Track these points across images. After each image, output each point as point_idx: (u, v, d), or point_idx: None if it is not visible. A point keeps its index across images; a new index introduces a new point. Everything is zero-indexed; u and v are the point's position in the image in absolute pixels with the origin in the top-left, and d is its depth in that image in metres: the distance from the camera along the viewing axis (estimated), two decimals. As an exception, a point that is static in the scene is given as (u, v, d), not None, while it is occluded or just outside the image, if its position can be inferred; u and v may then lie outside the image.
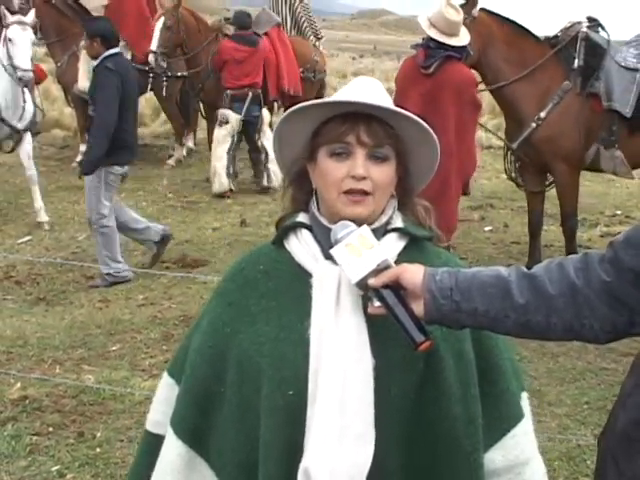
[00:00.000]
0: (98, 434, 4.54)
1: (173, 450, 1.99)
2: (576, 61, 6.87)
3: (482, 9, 6.99)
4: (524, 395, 2.02)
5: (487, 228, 9.08)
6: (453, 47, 6.07)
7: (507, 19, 7.15)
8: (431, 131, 1.91)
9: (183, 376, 2.03)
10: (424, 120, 1.89)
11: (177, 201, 10.09)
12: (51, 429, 4.60)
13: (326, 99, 1.93)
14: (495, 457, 1.91)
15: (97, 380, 5.17)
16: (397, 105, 1.89)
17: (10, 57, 8.64)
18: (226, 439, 1.94)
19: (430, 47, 6.11)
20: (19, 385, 5.08)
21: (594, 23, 7.15)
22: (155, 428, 2.13)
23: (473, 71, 6.66)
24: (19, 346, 5.73)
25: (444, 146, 2.05)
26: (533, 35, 7.16)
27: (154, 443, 2.09)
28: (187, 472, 1.98)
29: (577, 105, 6.83)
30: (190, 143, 12.88)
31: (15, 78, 8.63)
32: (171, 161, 12.19)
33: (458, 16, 6.19)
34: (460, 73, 6.09)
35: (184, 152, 12.47)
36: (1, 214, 9.54)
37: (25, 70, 8.62)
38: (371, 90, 1.91)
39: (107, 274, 7.16)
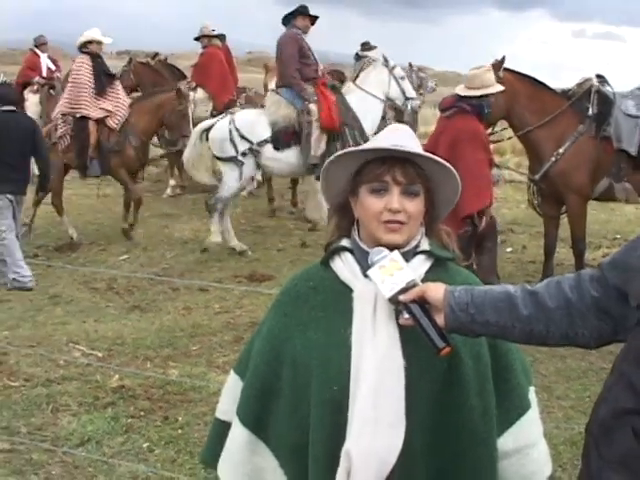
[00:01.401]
0: (180, 418, 4.62)
1: (239, 435, 2.04)
2: (590, 109, 6.90)
3: (506, 69, 7.02)
4: (532, 389, 2.04)
5: (508, 250, 9.00)
6: (470, 100, 6.06)
7: (527, 76, 7.18)
8: (454, 170, 1.95)
9: (246, 373, 2.08)
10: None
11: (248, 226, 10.14)
12: (142, 413, 4.68)
13: (368, 146, 1.97)
14: (507, 441, 1.94)
15: (180, 374, 5.23)
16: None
17: None
18: (282, 425, 1.98)
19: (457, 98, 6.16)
20: (117, 377, 5.16)
21: (602, 79, 7.18)
22: (223, 415, 2.18)
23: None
24: (118, 345, 5.82)
25: None
26: (550, 88, 7.18)
27: (222, 427, 2.15)
28: (250, 453, 2.03)
29: (590, 146, 6.84)
30: (259, 177, 12.90)
31: None
32: (244, 192, 12.14)
33: (479, 70, 6.22)
34: (463, 123, 6.10)
35: (255, 185, 12.48)
36: (106, 236, 9.63)
37: None
38: (404, 137, 1.96)
39: (13, 279, 7.34)
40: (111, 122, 9.36)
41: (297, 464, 1.96)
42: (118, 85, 9.78)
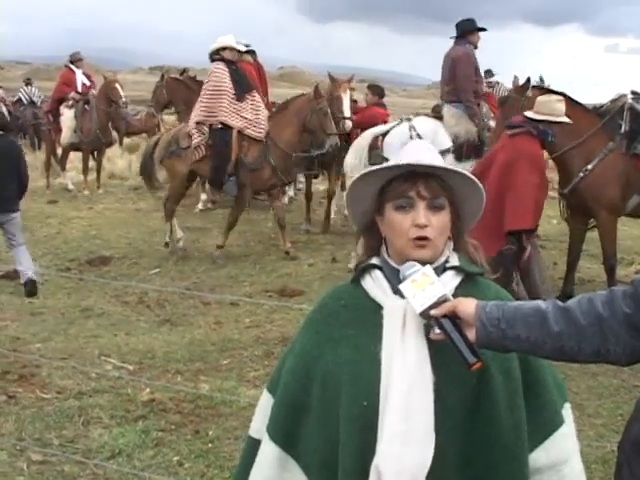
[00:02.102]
0: (211, 432, 4.61)
1: (269, 452, 2.03)
2: (623, 126, 6.86)
3: (534, 87, 7.01)
4: (567, 405, 2.01)
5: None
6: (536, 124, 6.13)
7: (558, 93, 7.15)
8: (477, 182, 1.95)
9: (277, 392, 2.07)
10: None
11: (279, 241, 10.16)
12: (173, 427, 4.69)
13: (389, 163, 1.96)
14: (539, 456, 1.91)
15: (211, 388, 5.22)
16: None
17: None
18: (312, 442, 1.97)
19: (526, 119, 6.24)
20: (148, 390, 5.18)
21: (637, 95, 7.14)
22: (255, 434, 2.17)
23: None
24: (149, 358, 5.84)
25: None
26: (581, 105, 7.15)
27: (254, 446, 2.13)
28: (280, 469, 2.02)
29: (620, 162, 6.82)
30: (291, 192, 12.94)
31: None
32: (275, 208, 12.20)
33: (550, 98, 6.30)
34: (525, 144, 6.12)
35: (286, 200, 12.52)
36: (137, 250, 9.70)
37: None
38: (425, 152, 1.96)
39: None
40: (252, 132, 9.05)
41: None
42: (256, 94, 9.46)
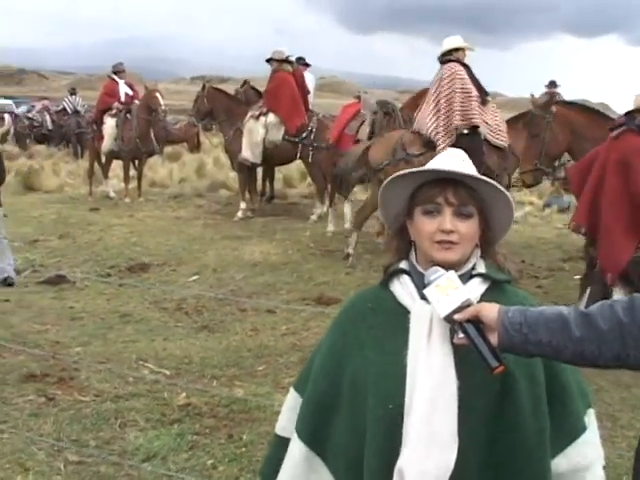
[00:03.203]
0: (244, 437, 4.66)
1: (296, 450, 2.09)
2: None
3: (557, 102, 6.99)
4: (590, 411, 2.02)
5: (576, 277, 8.88)
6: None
7: (580, 105, 7.13)
8: (506, 192, 1.99)
9: (306, 392, 2.13)
10: None
11: (317, 249, 10.21)
12: (207, 431, 4.75)
13: (421, 168, 2.00)
14: (560, 463, 1.94)
15: (246, 393, 5.28)
16: None
17: None
18: (339, 441, 2.02)
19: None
20: (184, 394, 5.25)
21: None
22: (282, 432, 2.23)
23: None
24: (185, 363, 5.92)
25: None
26: (604, 114, 7.12)
27: (280, 443, 2.20)
28: (307, 468, 2.08)
29: None
30: (324, 208, 12.98)
31: None
32: (314, 216, 12.29)
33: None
34: (629, 142, 6.07)
35: (325, 209, 12.58)
36: (177, 257, 9.82)
37: None
38: (457, 160, 2.00)
39: None
40: (493, 138, 8.61)
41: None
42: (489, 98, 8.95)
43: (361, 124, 10.67)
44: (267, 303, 7.33)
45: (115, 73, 14.66)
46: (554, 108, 7.00)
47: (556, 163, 7.15)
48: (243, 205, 12.58)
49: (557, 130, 6.65)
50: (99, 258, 9.81)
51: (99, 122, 14.53)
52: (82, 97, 24.04)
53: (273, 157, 12.68)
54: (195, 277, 8.86)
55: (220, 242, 10.74)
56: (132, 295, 8.13)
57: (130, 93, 14.55)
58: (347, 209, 11.42)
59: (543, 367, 1.92)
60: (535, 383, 1.91)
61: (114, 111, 14.16)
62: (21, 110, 33.52)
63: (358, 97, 11.63)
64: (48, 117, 23.99)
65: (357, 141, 10.51)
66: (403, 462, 1.81)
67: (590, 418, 2.02)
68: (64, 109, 23.08)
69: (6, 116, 33.22)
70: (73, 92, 23.52)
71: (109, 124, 14.12)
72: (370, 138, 10.19)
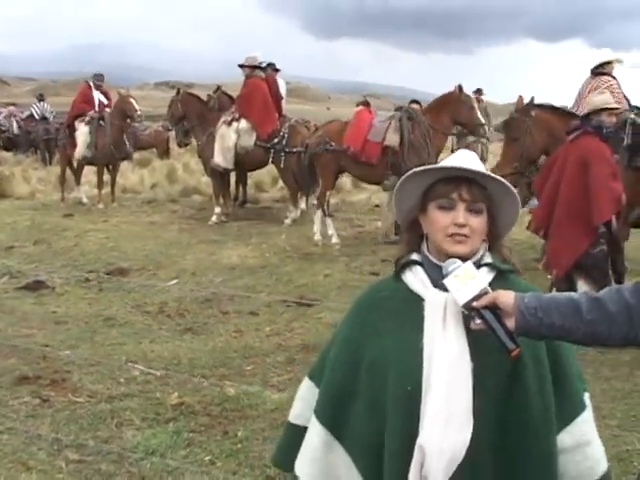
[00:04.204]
0: (239, 433, 4.76)
1: (316, 434, 2.21)
2: (625, 140, 7.03)
3: (537, 106, 7.19)
4: (587, 395, 2.18)
5: (550, 276, 9.06)
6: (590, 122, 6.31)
7: (559, 109, 7.35)
8: (515, 193, 2.16)
9: (323, 378, 2.25)
10: None
11: (294, 252, 10.29)
12: (203, 428, 4.84)
13: (437, 165, 2.15)
14: (564, 438, 2.08)
15: (237, 392, 5.35)
16: None
17: None
18: (358, 425, 2.14)
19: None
20: (176, 394, 5.33)
21: (638, 111, 7.34)
22: (295, 419, 2.35)
23: None
24: (174, 364, 5.99)
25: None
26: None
27: (294, 431, 2.33)
28: (326, 451, 2.19)
29: (623, 175, 6.99)
30: (303, 205, 13.11)
31: None
32: (288, 220, 12.37)
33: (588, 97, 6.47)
34: (585, 143, 6.31)
35: (298, 213, 12.72)
36: (155, 262, 9.87)
37: None
38: (469, 160, 2.14)
39: None
40: None
41: (371, 463, 2.12)
42: None
43: (386, 131, 10.69)
44: (272, 298, 7.42)
45: (95, 82, 14.72)
46: (534, 112, 7.21)
47: (533, 167, 7.35)
48: (217, 210, 12.66)
49: (536, 133, 6.86)
50: (77, 263, 9.83)
51: (71, 128, 14.52)
52: (51, 103, 23.93)
53: (245, 162, 12.80)
54: (175, 281, 8.91)
55: (197, 246, 10.82)
56: (113, 299, 8.18)
57: (105, 102, 14.59)
58: (318, 218, 11.24)
59: (547, 350, 2.08)
60: (540, 364, 2.06)
61: (87, 118, 14.18)
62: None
63: (364, 103, 11.71)
64: (15, 123, 23.81)
65: (385, 148, 10.55)
66: (423, 440, 1.95)
67: (587, 400, 2.18)
68: (32, 115, 22.93)
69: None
70: (41, 98, 23.37)
71: (82, 131, 14.13)
72: (401, 144, 10.37)
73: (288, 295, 8.15)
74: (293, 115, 13.68)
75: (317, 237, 10.91)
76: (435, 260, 2.12)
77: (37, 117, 22.52)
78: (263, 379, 5.74)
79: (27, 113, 23.60)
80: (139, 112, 14.19)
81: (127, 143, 14.61)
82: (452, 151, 11.06)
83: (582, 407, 2.14)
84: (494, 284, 2.06)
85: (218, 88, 13.82)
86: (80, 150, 14.20)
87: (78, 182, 15.01)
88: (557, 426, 2.08)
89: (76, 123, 14.33)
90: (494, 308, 1.94)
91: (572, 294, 1.97)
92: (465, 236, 2.07)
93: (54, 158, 21.59)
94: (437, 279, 2.06)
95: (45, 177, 17.87)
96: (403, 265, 2.19)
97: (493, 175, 2.12)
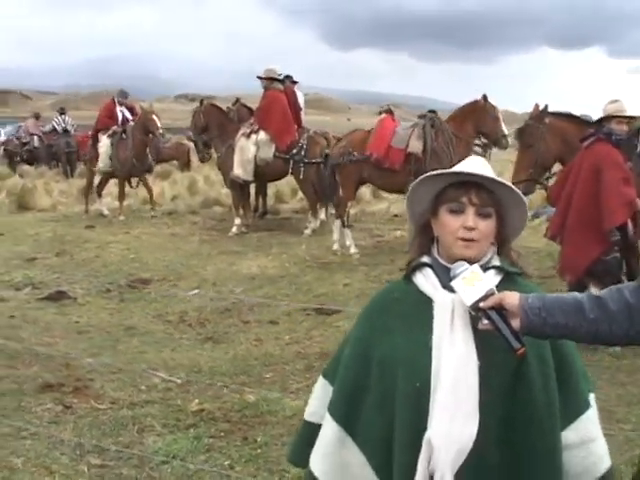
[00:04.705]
0: (258, 439, 4.84)
1: (330, 430, 2.29)
2: (638, 147, 7.06)
3: (550, 114, 7.24)
4: (592, 395, 2.25)
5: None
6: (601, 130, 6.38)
7: (573, 116, 7.38)
8: (523, 197, 2.24)
9: (337, 376, 2.33)
10: None
11: (314, 262, 10.38)
12: (222, 434, 4.93)
13: (448, 170, 2.24)
14: (569, 435, 2.15)
15: (256, 399, 5.45)
16: None
17: None
18: (370, 421, 2.22)
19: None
20: (197, 401, 5.43)
21: None
22: (310, 417, 2.45)
23: None
24: (195, 372, 6.08)
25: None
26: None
27: (309, 429, 2.42)
28: (339, 446, 2.27)
29: (636, 181, 7.01)
30: (323, 216, 13.18)
31: None
32: (308, 231, 12.45)
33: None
34: (598, 149, 6.39)
35: (318, 223, 12.79)
36: (176, 272, 9.99)
37: None
38: (479, 166, 2.23)
39: None
40: None
41: (382, 457, 2.20)
42: None
43: (409, 138, 10.77)
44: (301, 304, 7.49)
45: (119, 100, 14.98)
46: (548, 119, 7.27)
47: (547, 173, 7.41)
48: (237, 221, 12.76)
49: (550, 140, 6.92)
50: (98, 274, 9.96)
51: (95, 141, 14.76)
52: (72, 117, 24.21)
53: (265, 174, 12.90)
54: (195, 291, 9.00)
55: (217, 257, 10.93)
56: (134, 309, 8.31)
57: (129, 117, 14.81)
58: (336, 228, 11.29)
59: (551, 349, 2.15)
60: (544, 363, 2.13)
61: (110, 131, 14.42)
62: (7, 131, 33.63)
63: (387, 111, 11.77)
64: (36, 137, 24.09)
65: (408, 155, 10.62)
66: (431, 433, 2.04)
67: (592, 400, 2.25)
68: (53, 129, 23.22)
69: (-5, 136, 33.28)
70: (62, 112, 23.66)
71: (104, 143, 14.38)
72: (424, 151, 10.44)
73: (307, 304, 8.23)
74: (314, 126, 13.77)
75: (336, 247, 10.99)
76: (445, 262, 2.20)
77: (59, 130, 22.81)
78: (282, 386, 5.82)
79: (49, 126, 23.89)
80: (161, 130, 14.38)
81: (149, 156, 14.80)
82: None
83: (587, 405, 2.21)
84: (501, 286, 2.14)
85: (237, 100, 13.97)
86: (101, 162, 14.43)
87: (100, 194, 15.19)
88: (562, 423, 2.15)
89: (99, 135, 14.57)
90: (500, 309, 2.02)
91: (575, 294, 2.04)
92: (473, 240, 2.15)
93: (76, 171, 21.85)
94: (446, 281, 2.14)
95: (67, 189, 18.07)
96: (414, 267, 2.27)
97: (501, 180, 2.21)
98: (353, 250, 10.84)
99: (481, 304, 2.03)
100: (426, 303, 2.18)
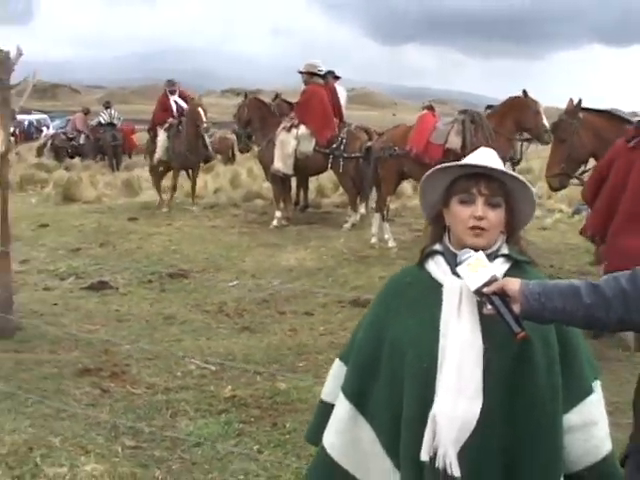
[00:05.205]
0: (287, 425, 4.98)
1: (342, 408, 2.45)
2: None
3: (584, 109, 7.23)
4: (598, 382, 2.34)
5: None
6: None
7: (606, 112, 7.35)
8: (531, 187, 2.33)
9: (351, 357, 2.48)
10: None
11: (351, 255, 10.48)
12: (252, 419, 5.09)
13: (459, 162, 2.36)
14: (572, 417, 2.26)
15: (288, 387, 5.59)
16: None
17: None
18: (380, 400, 2.36)
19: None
20: (230, 387, 5.60)
21: None
22: (326, 397, 2.61)
23: None
24: (229, 360, 6.23)
25: None
26: (629, 122, 7.32)
27: (325, 408, 2.57)
28: (351, 423, 2.42)
29: None
30: (363, 210, 13.25)
31: None
32: (347, 225, 12.52)
33: None
34: None
35: (358, 217, 12.85)
36: (215, 264, 10.18)
37: None
38: (488, 157, 2.34)
39: None
40: None
41: (391, 434, 2.33)
42: None
43: (448, 133, 10.81)
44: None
45: (168, 89, 15.19)
46: (581, 114, 7.27)
47: (581, 168, 7.41)
48: (278, 214, 12.90)
49: (583, 135, 6.93)
50: (140, 265, 10.15)
51: (154, 136, 15.14)
52: (119, 110, 24.65)
53: (305, 168, 13.02)
54: (235, 282, 9.17)
55: (256, 249, 11.08)
56: (174, 299, 8.50)
57: (184, 106, 14.94)
58: (375, 221, 11.41)
59: (557, 335, 2.25)
60: (549, 346, 2.23)
61: (166, 125, 14.72)
62: (56, 124, 34.33)
63: (428, 107, 11.82)
64: (83, 134, 24.53)
65: (447, 150, 10.66)
66: (436, 410, 2.16)
67: (597, 387, 2.34)
68: (100, 123, 23.67)
69: (44, 129, 34.01)
70: (108, 105, 24.09)
71: (161, 137, 14.75)
72: (463, 147, 10.52)
73: (343, 296, 8.33)
74: (359, 121, 13.82)
75: (374, 240, 11.08)
76: (455, 250, 2.31)
77: (105, 124, 23.23)
78: (315, 375, 5.91)
79: (95, 120, 24.35)
80: (205, 124, 14.44)
81: (207, 146, 15.05)
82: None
83: (590, 390, 2.30)
84: (510, 274, 2.26)
85: (277, 96, 14.10)
86: (157, 154, 14.81)
87: (157, 186, 15.39)
88: (565, 406, 2.25)
89: (157, 129, 14.93)
90: (503, 294, 2.12)
91: (573, 281, 2.13)
92: (483, 229, 2.25)
93: (121, 164, 22.23)
94: (456, 267, 2.24)
95: (112, 182, 18.40)
96: (427, 254, 2.40)
97: (508, 171, 2.31)
98: (391, 244, 10.92)
99: (484, 289, 2.13)
100: (436, 288, 2.30)
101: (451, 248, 2.34)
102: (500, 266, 2.29)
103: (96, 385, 5.64)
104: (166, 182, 15.32)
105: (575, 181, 7.90)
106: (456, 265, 2.22)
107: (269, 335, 7.10)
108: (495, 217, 2.27)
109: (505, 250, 2.34)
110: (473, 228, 2.25)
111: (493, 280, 2.14)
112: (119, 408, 5.25)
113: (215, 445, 4.69)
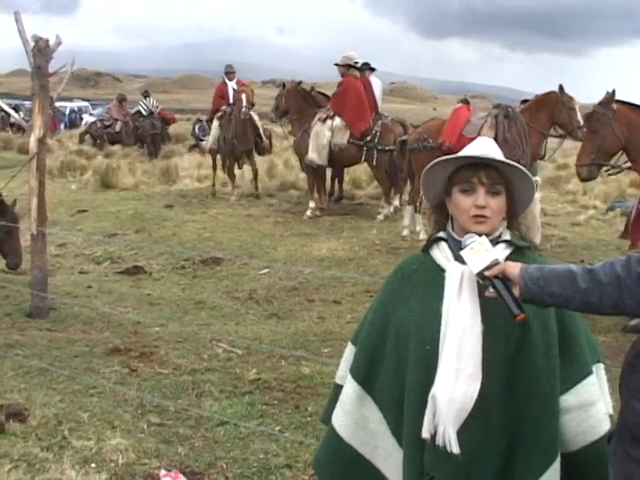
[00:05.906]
0: (309, 408, 5.10)
1: (350, 388, 2.55)
2: None
3: (618, 101, 7.22)
4: (600, 365, 2.42)
5: None
6: None
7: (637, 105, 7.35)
8: (529, 174, 2.42)
9: (359, 341, 2.59)
10: None
11: (382, 247, 10.57)
12: (275, 402, 5.21)
13: (460, 154, 2.43)
14: (569, 398, 2.33)
15: (312, 371, 5.71)
16: None
17: None
18: (386, 381, 2.46)
19: None
20: (255, 370, 5.74)
21: None
22: (340, 380, 2.71)
23: None
24: (256, 344, 6.36)
25: None
26: None
27: (338, 390, 2.66)
28: (358, 403, 2.53)
29: None
30: (396, 202, 13.30)
31: None
32: (380, 216, 12.60)
33: None
34: None
35: (391, 209, 12.92)
36: (248, 252, 10.35)
37: None
38: (488, 147, 2.43)
39: None
40: None
41: (396, 414, 2.42)
42: None
43: (481, 127, 10.77)
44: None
45: (226, 74, 15.35)
46: (615, 106, 7.27)
47: (612, 160, 7.41)
48: (312, 204, 13.00)
49: (616, 127, 6.92)
50: (174, 251, 10.34)
51: (211, 124, 15.48)
52: (157, 99, 24.92)
53: (339, 159, 13.10)
54: (266, 270, 9.29)
55: (289, 239, 11.22)
56: (205, 285, 8.69)
57: None
58: (408, 213, 11.43)
59: (556, 320, 2.33)
60: (548, 331, 2.31)
61: (220, 113, 14.91)
62: (97, 112, 34.80)
63: (464, 101, 11.83)
64: (118, 122, 24.82)
65: None
66: (435, 390, 2.25)
67: (599, 371, 2.42)
68: (139, 111, 23.97)
69: (85, 116, 34.47)
70: (146, 94, 24.40)
71: (214, 125, 15.10)
72: (495, 141, 10.43)
73: (372, 286, 8.40)
74: (400, 114, 13.81)
75: (405, 232, 11.14)
76: (457, 237, 2.40)
77: (144, 113, 23.52)
78: (339, 361, 6.00)
79: (135, 109, 24.67)
80: (244, 109, 14.30)
81: (260, 136, 15.17)
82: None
83: (588, 372, 2.37)
84: (511, 258, 2.35)
85: (312, 88, 14.18)
86: (209, 142, 15.25)
87: (215, 170, 15.59)
88: (563, 387, 2.32)
89: (214, 118, 15.19)
90: (504, 278, 2.21)
91: (571, 266, 2.20)
92: (485, 217, 2.34)
93: (160, 152, 22.48)
94: (459, 253, 2.33)
95: (150, 170, 18.65)
96: (431, 242, 2.50)
97: (505, 160, 2.39)
98: (423, 236, 10.95)
99: (486, 272, 2.22)
100: (440, 274, 2.39)
101: (454, 235, 2.43)
102: (502, 251, 2.38)
103: (125, 364, 5.81)
104: (219, 172, 15.57)
105: (605, 174, 7.90)
106: (460, 249, 2.31)
107: (296, 322, 7.23)
108: (496, 205, 2.36)
109: (507, 236, 2.43)
110: (476, 217, 2.34)
111: (495, 264, 2.23)
112: (146, 387, 5.40)
113: (237, 425, 4.82)
